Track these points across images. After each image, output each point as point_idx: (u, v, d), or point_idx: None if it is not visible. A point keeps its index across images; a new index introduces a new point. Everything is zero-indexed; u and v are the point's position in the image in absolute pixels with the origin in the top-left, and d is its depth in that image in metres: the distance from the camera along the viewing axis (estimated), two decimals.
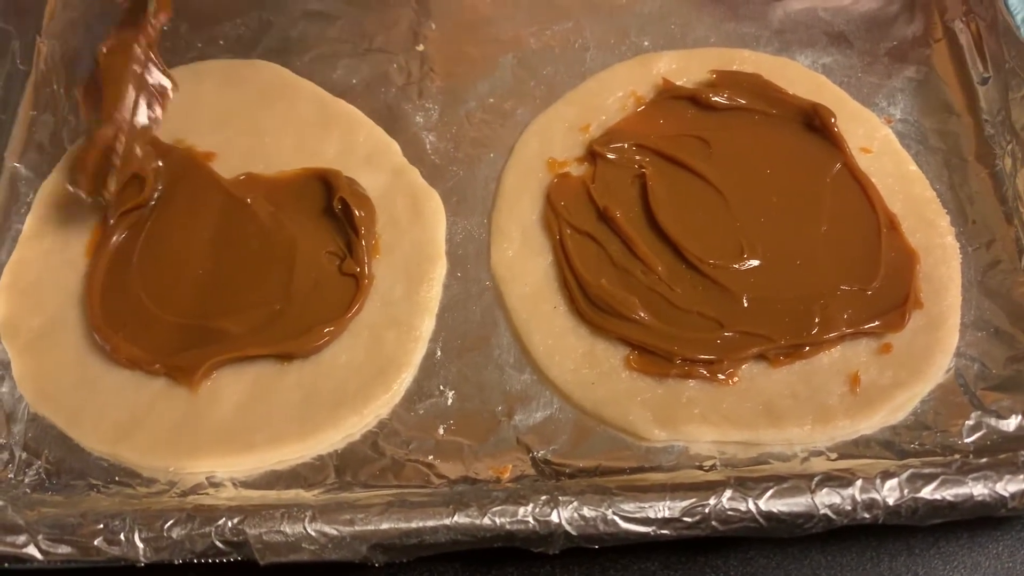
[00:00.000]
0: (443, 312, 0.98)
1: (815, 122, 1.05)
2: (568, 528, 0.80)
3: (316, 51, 1.15)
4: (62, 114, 1.10)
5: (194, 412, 0.92)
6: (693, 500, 0.81)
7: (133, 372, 0.94)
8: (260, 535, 0.80)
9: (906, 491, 0.82)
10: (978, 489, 0.82)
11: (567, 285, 0.97)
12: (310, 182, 1.03)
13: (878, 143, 1.05)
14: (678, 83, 1.09)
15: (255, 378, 0.93)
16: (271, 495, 0.88)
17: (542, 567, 0.89)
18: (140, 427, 0.91)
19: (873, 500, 0.81)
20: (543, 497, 0.81)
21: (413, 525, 0.81)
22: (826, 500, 0.81)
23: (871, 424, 0.90)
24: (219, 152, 1.06)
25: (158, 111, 1.02)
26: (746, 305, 0.94)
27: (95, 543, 0.80)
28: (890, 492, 0.81)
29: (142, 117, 1.01)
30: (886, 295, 0.95)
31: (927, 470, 0.83)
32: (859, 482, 0.82)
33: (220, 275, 0.98)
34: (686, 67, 1.11)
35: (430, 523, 0.81)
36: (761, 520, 0.81)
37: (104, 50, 1.00)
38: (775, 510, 0.81)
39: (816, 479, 0.82)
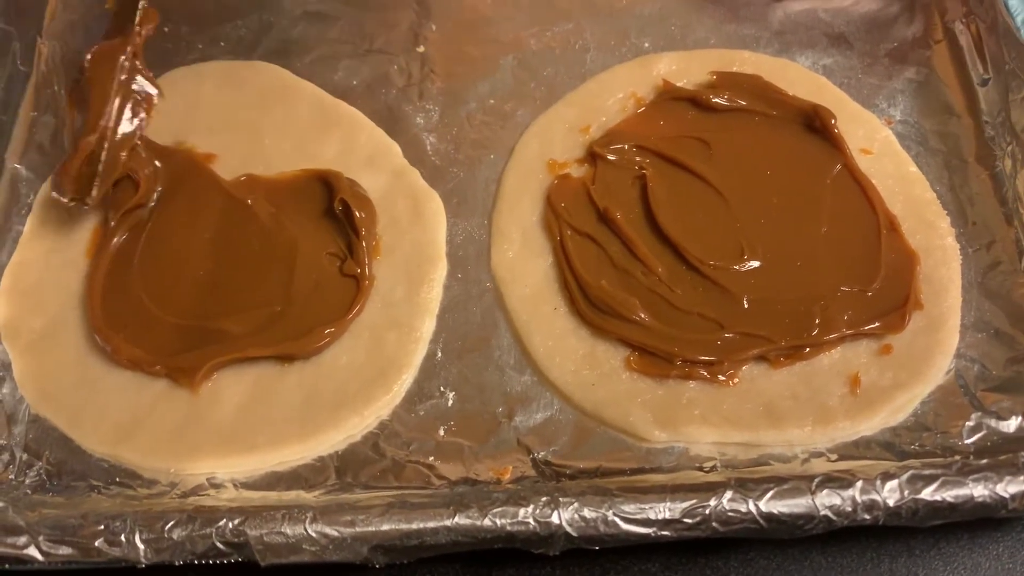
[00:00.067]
0: (443, 313, 0.98)
1: (815, 123, 1.05)
2: (569, 529, 0.80)
3: (317, 52, 1.15)
4: (63, 115, 1.10)
5: (195, 413, 0.92)
6: (693, 501, 0.81)
7: (134, 373, 0.94)
8: (261, 536, 0.80)
9: (906, 492, 0.82)
10: (978, 490, 0.82)
11: (567, 286, 0.97)
12: (311, 183, 1.03)
13: (878, 144, 1.05)
14: (678, 84, 1.09)
15: (256, 379, 0.93)
16: (272, 496, 0.88)
17: (542, 568, 0.89)
18: (141, 428, 0.91)
19: (873, 501, 0.81)
20: (543, 498, 0.81)
21: (414, 526, 0.81)
22: (826, 501, 0.81)
23: (871, 425, 0.90)
24: (219, 153, 1.06)
25: (143, 118, 1.03)
26: (746, 306, 0.94)
27: (96, 544, 0.81)
28: (890, 493, 0.81)
29: (126, 124, 1.02)
30: (886, 296, 0.95)
31: (927, 471, 0.83)
32: (859, 483, 0.82)
33: (221, 276, 0.98)
34: (686, 68, 1.11)
35: (431, 524, 0.81)
36: (761, 521, 0.81)
37: (89, 57, 1.01)
38: (775, 511, 0.81)
39: (816, 480, 0.82)
